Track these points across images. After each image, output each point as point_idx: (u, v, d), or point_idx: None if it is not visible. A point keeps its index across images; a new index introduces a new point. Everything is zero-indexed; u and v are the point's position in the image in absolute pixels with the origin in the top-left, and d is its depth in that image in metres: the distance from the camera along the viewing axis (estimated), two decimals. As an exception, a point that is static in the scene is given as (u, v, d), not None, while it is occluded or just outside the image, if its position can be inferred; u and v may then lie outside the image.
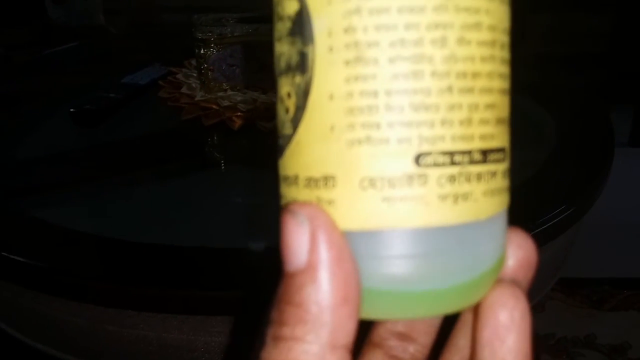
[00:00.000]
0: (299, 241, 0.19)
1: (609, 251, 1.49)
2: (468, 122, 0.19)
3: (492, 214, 0.20)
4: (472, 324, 0.23)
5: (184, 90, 0.89)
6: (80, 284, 0.54)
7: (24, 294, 0.58)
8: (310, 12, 0.19)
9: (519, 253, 0.23)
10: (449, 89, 0.18)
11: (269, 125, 0.78)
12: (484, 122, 0.19)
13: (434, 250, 0.19)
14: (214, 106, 0.83)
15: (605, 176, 0.70)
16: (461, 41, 0.19)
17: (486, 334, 0.21)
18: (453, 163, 0.19)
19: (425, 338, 0.26)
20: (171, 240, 0.58)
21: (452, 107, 0.19)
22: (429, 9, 0.18)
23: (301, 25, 0.19)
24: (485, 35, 0.19)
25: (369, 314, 0.20)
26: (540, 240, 0.60)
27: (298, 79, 0.20)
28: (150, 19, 2.29)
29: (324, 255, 0.19)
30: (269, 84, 0.83)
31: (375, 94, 0.18)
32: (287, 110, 0.20)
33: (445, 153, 0.19)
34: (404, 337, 0.26)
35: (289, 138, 0.20)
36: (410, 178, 0.19)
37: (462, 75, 0.19)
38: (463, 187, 0.19)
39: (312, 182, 0.20)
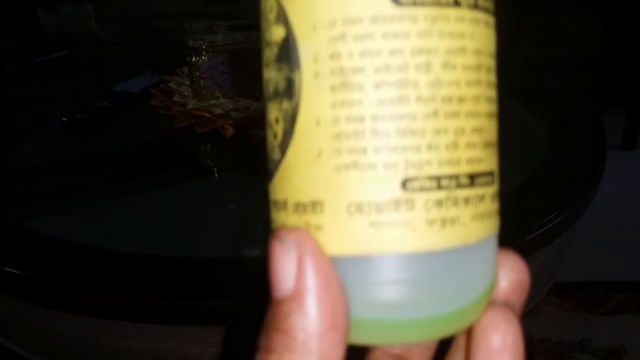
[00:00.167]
0: (286, 267, 0.19)
1: (604, 255, 1.49)
2: (454, 146, 0.19)
3: (482, 237, 0.20)
4: (465, 347, 0.23)
5: (176, 98, 0.89)
6: (73, 295, 0.53)
7: (17, 305, 0.58)
8: (297, 38, 0.19)
9: (511, 275, 0.22)
10: (435, 113, 0.18)
11: (261, 132, 0.77)
12: (470, 146, 0.19)
13: (423, 276, 0.19)
14: (206, 114, 0.83)
15: (597, 180, 0.70)
16: (446, 66, 0.19)
17: (479, 357, 0.21)
18: (440, 187, 0.19)
19: None
20: (164, 249, 0.58)
21: (438, 132, 0.18)
22: (413, 35, 0.18)
23: (288, 52, 0.19)
24: (470, 60, 0.19)
25: (357, 339, 0.20)
26: (535, 246, 0.60)
27: (285, 104, 0.20)
28: (142, 26, 2.29)
29: (311, 281, 0.18)
30: (261, 92, 0.82)
31: (361, 119, 0.18)
32: (275, 136, 0.20)
33: (432, 178, 0.19)
34: (400, 358, 0.26)
35: (278, 163, 0.20)
36: (397, 203, 0.18)
37: (448, 99, 0.19)
38: (450, 212, 0.19)
39: (300, 207, 0.20)
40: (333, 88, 0.18)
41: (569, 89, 1.00)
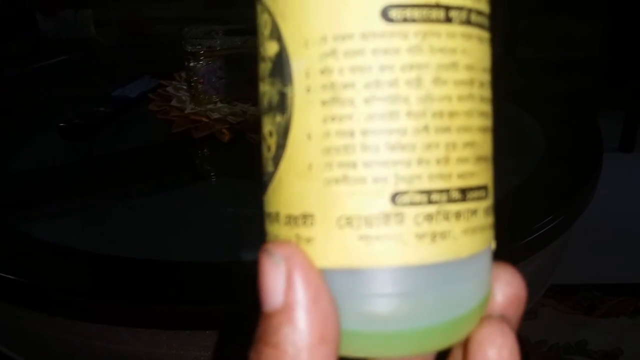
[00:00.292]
0: (275, 281, 0.19)
1: (600, 257, 1.49)
2: (445, 160, 0.19)
3: (474, 252, 0.20)
4: None
5: (173, 103, 0.89)
6: (68, 300, 0.53)
7: (12, 310, 0.58)
8: (289, 53, 0.19)
9: (507, 290, 0.22)
10: (425, 128, 0.19)
11: (258, 137, 0.77)
12: (462, 160, 0.19)
13: (414, 290, 0.19)
14: (204, 119, 0.83)
15: (594, 183, 0.70)
16: (437, 81, 0.19)
17: None
18: (430, 202, 0.19)
19: None
20: (161, 254, 0.58)
21: (428, 146, 0.19)
22: (404, 50, 0.18)
23: (281, 66, 0.20)
24: (462, 75, 0.19)
25: (349, 352, 0.20)
26: (531, 248, 0.60)
27: (278, 118, 0.20)
28: (141, 31, 2.30)
29: (301, 295, 0.19)
30: (259, 103, 0.82)
31: (351, 133, 0.19)
32: (269, 149, 0.20)
33: (422, 192, 0.19)
34: None
35: (271, 176, 0.20)
36: (386, 217, 0.19)
37: (439, 114, 0.19)
38: (441, 226, 0.19)
39: (292, 219, 0.20)
40: (324, 103, 0.19)
41: (565, 92, 1.00)
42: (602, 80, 2.19)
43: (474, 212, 0.20)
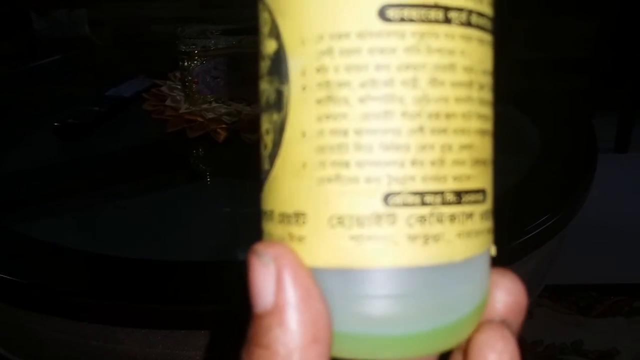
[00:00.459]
0: (265, 282, 0.19)
1: (596, 257, 1.50)
2: (440, 162, 0.19)
3: (469, 256, 0.20)
4: None
5: (168, 102, 0.89)
6: (63, 300, 0.53)
7: (6, 310, 0.58)
8: (287, 51, 0.19)
9: (508, 298, 0.22)
10: (420, 129, 0.18)
11: (253, 137, 0.78)
12: (458, 162, 0.19)
13: (405, 292, 0.19)
14: (199, 118, 0.83)
15: (589, 183, 0.70)
16: (434, 82, 0.19)
17: None
18: (424, 203, 0.19)
19: None
20: (156, 254, 0.58)
21: (423, 148, 0.18)
22: (400, 50, 0.18)
23: (278, 65, 0.19)
24: (460, 76, 0.19)
25: (340, 353, 0.20)
26: (527, 248, 0.60)
27: (275, 116, 0.20)
28: (135, 30, 2.29)
29: (291, 295, 0.18)
30: (253, 96, 0.83)
31: (345, 132, 0.18)
32: (266, 147, 0.20)
33: (415, 193, 0.18)
34: None
35: (267, 173, 0.20)
36: (378, 217, 0.18)
37: (435, 115, 0.19)
38: (434, 228, 0.19)
39: (285, 217, 0.20)
40: (319, 101, 0.19)
41: (561, 92, 1.00)
42: (597, 80, 2.20)
43: (469, 215, 0.19)
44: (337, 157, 0.18)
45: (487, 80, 0.20)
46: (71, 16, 2.17)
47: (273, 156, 0.20)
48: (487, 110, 0.20)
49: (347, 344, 0.19)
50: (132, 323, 0.52)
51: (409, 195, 0.18)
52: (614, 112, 2.08)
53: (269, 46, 0.20)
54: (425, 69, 0.18)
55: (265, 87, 0.20)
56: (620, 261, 1.51)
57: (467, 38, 0.19)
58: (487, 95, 0.20)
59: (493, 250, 0.21)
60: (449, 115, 0.19)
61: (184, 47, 0.86)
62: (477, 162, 0.20)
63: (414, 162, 0.18)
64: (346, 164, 0.18)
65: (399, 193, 0.18)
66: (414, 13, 0.18)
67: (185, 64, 0.86)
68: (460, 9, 0.19)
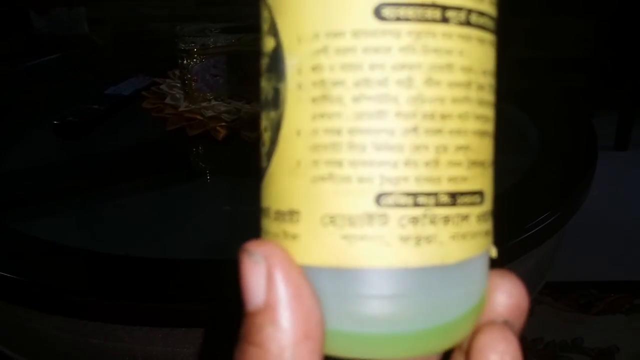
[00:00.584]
0: (256, 281, 0.19)
1: (596, 255, 1.50)
2: (435, 163, 0.18)
3: (463, 258, 0.19)
4: None
5: (167, 100, 0.88)
6: (64, 298, 0.53)
7: (6, 308, 0.58)
8: (284, 49, 0.19)
9: (509, 301, 0.22)
10: (415, 129, 0.18)
11: (252, 135, 0.78)
12: (453, 164, 0.19)
13: (395, 293, 0.19)
14: (198, 116, 0.83)
15: (589, 181, 0.70)
16: (429, 82, 0.18)
17: None
18: (416, 205, 0.18)
19: None
20: (156, 252, 0.58)
21: (417, 148, 0.18)
22: (395, 50, 0.18)
23: (276, 62, 0.19)
24: (458, 77, 0.19)
25: (332, 351, 0.20)
26: (527, 246, 0.60)
27: (272, 114, 0.20)
28: (134, 29, 2.29)
29: (282, 293, 0.18)
30: (253, 94, 0.83)
31: (339, 132, 0.18)
32: (263, 144, 0.20)
33: (408, 194, 0.18)
34: None
35: (265, 171, 0.20)
36: (370, 217, 0.18)
37: (430, 116, 0.18)
38: (427, 230, 0.18)
39: (280, 215, 0.20)
40: (314, 100, 0.19)
41: (560, 91, 1.00)
42: (596, 79, 2.20)
43: (465, 217, 0.19)
44: (331, 156, 0.18)
45: (488, 80, 0.20)
46: (71, 15, 2.17)
47: (270, 153, 0.20)
48: (487, 111, 0.20)
49: (340, 342, 0.19)
50: (133, 321, 0.53)
51: (402, 196, 0.18)
52: (614, 110, 2.08)
53: (268, 44, 0.20)
54: (421, 68, 0.18)
55: (264, 84, 0.20)
56: (620, 258, 1.52)
57: (466, 38, 0.19)
58: (488, 95, 0.20)
59: (493, 252, 0.21)
60: (444, 116, 0.19)
61: (183, 45, 0.86)
62: (474, 163, 0.19)
63: (407, 163, 0.18)
64: (339, 163, 0.18)
65: (391, 193, 0.18)
66: (410, 12, 0.18)
67: (185, 62, 0.86)
68: (458, 8, 0.19)
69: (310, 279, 0.19)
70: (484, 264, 0.21)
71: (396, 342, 0.19)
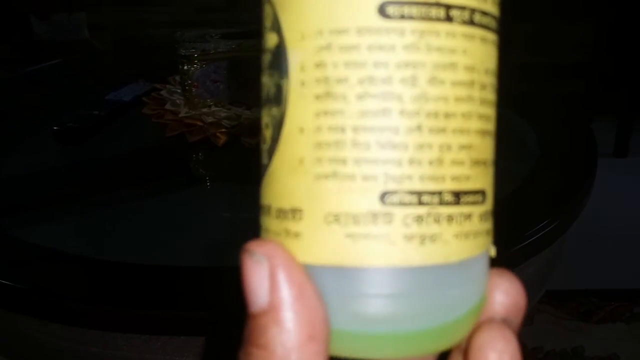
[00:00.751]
0: (259, 281, 0.19)
1: (596, 263, 1.50)
2: (439, 162, 0.18)
3: (466, 257, 0.19)
4: None
5: (168, 106, 0.88)
6: (62, 306, 0.53)
7: (6, 315, 0.58)
8: (287, 46, 0.19)
9: (506, 299, 0.22)
10: (419, 128, 0.18)
11: (253, 141, 0.78)
12: (457, 163, 0.19)
13: (399, 292, 0.19)
14: (198, 122, 0.83)
15: (588, 188, 0.70)
16: (433, 81, 0.18)
17: None
18: (421, 203, 0.18)
19: None
20: (156, 259, 0.58)
21: (421, 147, 0.18)
22: (399, 48, 0.18)
23: (279, 59, 0.19)
24: (461, 76, 0.19)
25: (337, 351, 0.20)
26: (527, 254, 0.60)
27: (274, 110, 0.20)
28: (135, 34, 2.29)
29: (285, 293, 0.18)
30: (253, 100, 0.83)
31: (342, 129, 0.18)
32: (265, 141, 0.20)
33: (412, 192, 0.18)
34: None
35: (265, 168, 0.20)
36: (374, 216, 0.18)
37: (434, 115, 0.18)
38: (431, 228, 0.18)
39: (281, 213, 0.19)
40: (317, 97, 0.18)
41: (560, 97, 1.00)
42: (596, 85, 2.20)
43: (467, 216, 0.19)
44: (335, 154, 0.18)
45: (490, 80, 0.20)
46: (71, 20, 2.17)
47: (271, 151, 0.20)
48: (489, 111, 0.20)
49: (344, 342, 0.19)
50: (132, 329, 0.52)
51: (406, 194, 0.18)
52: (613, 116, 2.08)
53: (270, 40, 0.20)
54: (425, 67, 0.18)
55: (266, 80, 0.20)
56: (621, 266, 1.51)
57: (470, 37, 0.19)
58: (490, 95, 0.20)
59: (493, 251, 0.21)
60: (448, 115, 0.19)
61: (183, 51, 0.86)
62: (476, 162, 0.20)
63: (411, 161, 0.18)
64: (343, 161, 0.18)
65: (395, 192, 0.18)
66: (414, 10, 0.18)
67: (185, 67, 0.86)
68: (462, 7, 0.19)
69: (312, 277, 0.19)
70: (484, 263, 0.21)
71: (400, 341, 0.19)
